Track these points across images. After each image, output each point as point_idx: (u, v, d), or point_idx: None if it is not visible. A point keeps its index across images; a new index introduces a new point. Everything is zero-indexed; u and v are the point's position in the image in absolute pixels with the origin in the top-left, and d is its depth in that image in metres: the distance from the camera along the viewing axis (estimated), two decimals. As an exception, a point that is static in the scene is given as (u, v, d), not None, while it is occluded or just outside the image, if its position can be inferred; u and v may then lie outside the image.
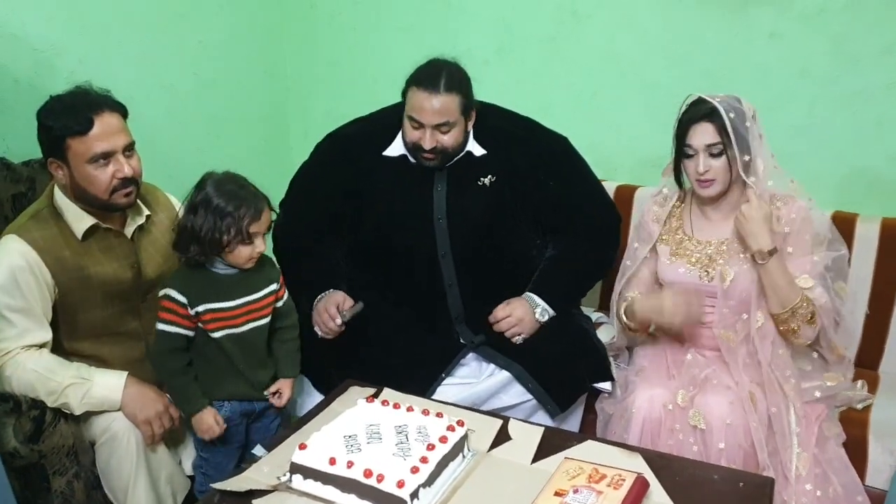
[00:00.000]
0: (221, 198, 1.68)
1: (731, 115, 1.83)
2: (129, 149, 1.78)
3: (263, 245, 1.74)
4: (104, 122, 1.72)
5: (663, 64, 2.55)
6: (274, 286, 1.84)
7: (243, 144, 3.02)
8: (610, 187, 2.49)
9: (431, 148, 1.93)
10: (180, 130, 2.74)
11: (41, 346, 1.77)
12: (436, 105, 1.89)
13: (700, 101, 1.89)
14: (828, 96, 2.36)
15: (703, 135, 1.86)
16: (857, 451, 1.92)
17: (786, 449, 1.84)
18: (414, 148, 1.97)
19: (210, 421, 1.77)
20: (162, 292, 1.74)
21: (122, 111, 1.78)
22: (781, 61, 2.39)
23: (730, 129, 1.83)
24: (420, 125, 1.92)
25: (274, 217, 1.77)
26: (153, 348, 1.79)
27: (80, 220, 1.80)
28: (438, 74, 1.90)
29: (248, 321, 1.79)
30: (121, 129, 1.76)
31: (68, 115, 1.70)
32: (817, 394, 1.94)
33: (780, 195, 1.92)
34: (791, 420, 1.86)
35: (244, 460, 1.72)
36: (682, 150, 1.91)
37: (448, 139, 1.94)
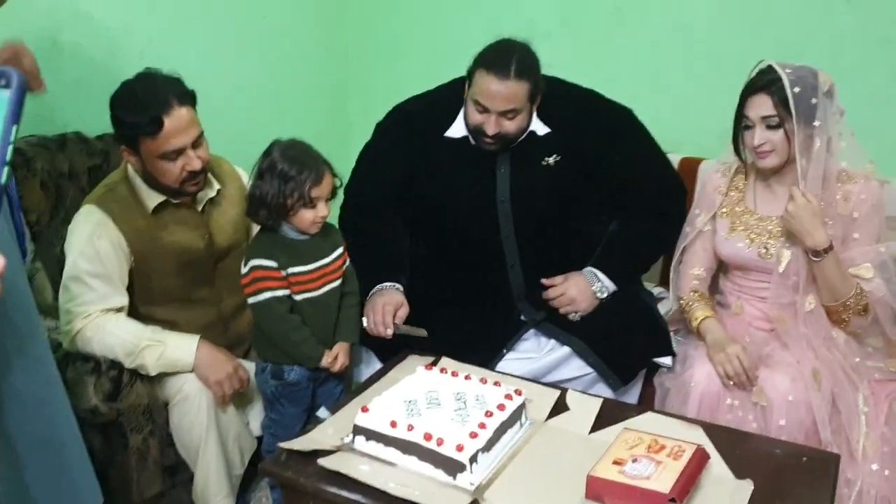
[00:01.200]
0: (285, 162, 1.72)
1: (797, 89, 1.75)
2: (198, 140, 1.82)
3: (326, 210, 1.78)
4: (174, 119, 1.74)
5: (733, 33, 2.46)
6: (340, 250, 1.88)
7: (306, 121, 3.05)
8: (674, 160, 2.43)
9: (494, 134, 1.89)
10: (246, 107, 2.80)
11: (119, 309, 1.85)
12: (504, 92, 1.83)
13: (766, 71, 1.82)
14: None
15: (759, 107, 1.80)
16: (929, 430, 1.86)
17: (852, 429, 1.79)
18: (476, 131, 1.94)
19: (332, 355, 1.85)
20: (249, 266, 1.77)
21: (192, 101, 1.80)
22: (861, 28, 2.28)
23: (792, 104, 1.75)
24: (485, 109, 1.87)
25: (338, 183, 1.80)
26: (266, 322, 1.80)
27: (151, 197, 1.87)
28: (509, 59, 1.82)
29: (324, 284, 1.84)
30: (190, 122, 1.78)
31: (139, 113, 1.72)
32: (877, 375, 1.88)
33: (851, 172, 1.84)
34: (858, 400, 1.81)
35: (309, 422, 1.77)
36: (739, 121, 1.86)
37: (512, 126, 1.90)
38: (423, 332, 1.90)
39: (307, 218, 1.76)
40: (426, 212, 2.09)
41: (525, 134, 1.96)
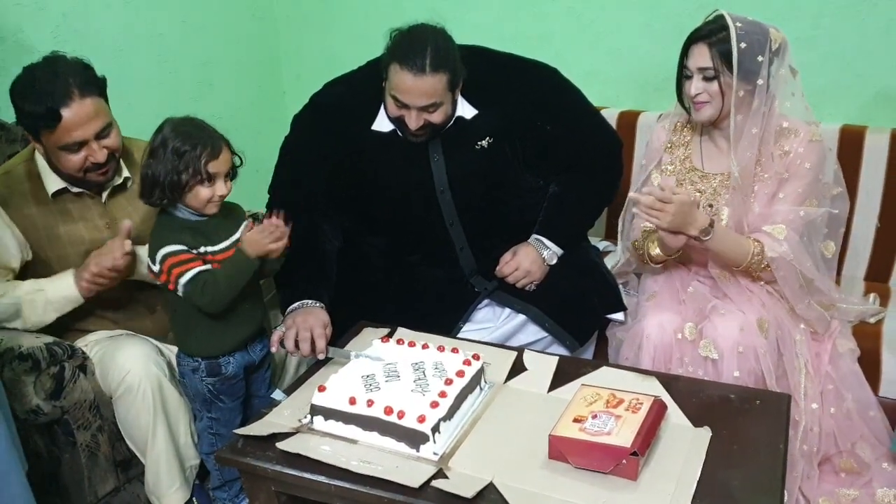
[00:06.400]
0: (178, 139, 1.61)
1: (743, 44, 1.73)
2: (105, 131, 1.73)
3: (225, 188, 1.67)
4: (74, 112, 1.66)
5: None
6: (245, 223, 1.75)
7: (237, 90, 2.96)
8: (612, 114, 2.44)
9: (418, 128, 1.82)
10: (172, 79, 2.69)
11: None
12: (421, 87, 1.74)
13: (714, 21, 1.79)
14: (833, 5, 2.29)
15: (697, 57, 1.79)
16: (870, 364, 1.93)
17: (793, 371, 1.84)
18: (399, 122, 1.86)
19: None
20: (159, 258, 1.63)
21: (98, 90, 1.71)
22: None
23: (735, 59, 1.74)
24: (404, 105, 1.78)
25: (237, 162, 1.68)
26: (207, 294, 1.64)
27: (52, 182, 1.78)
28: (423, 51, 1.72)
29: None
30: (93, 114, 1.69)
31: (37, 104, 1.64)
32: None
33: (792, 127, 1.83)
34: (796, 339, 1.86)
35: (247, 414, 1.74)
36: (681, 70, 1.86)
37: (436, 117, 1.81)
38: (351, 357, 1.71)
39: (203, 196, 1.63)
40: (366, 206, 2.01)
41: (452, 120, 1.90)
